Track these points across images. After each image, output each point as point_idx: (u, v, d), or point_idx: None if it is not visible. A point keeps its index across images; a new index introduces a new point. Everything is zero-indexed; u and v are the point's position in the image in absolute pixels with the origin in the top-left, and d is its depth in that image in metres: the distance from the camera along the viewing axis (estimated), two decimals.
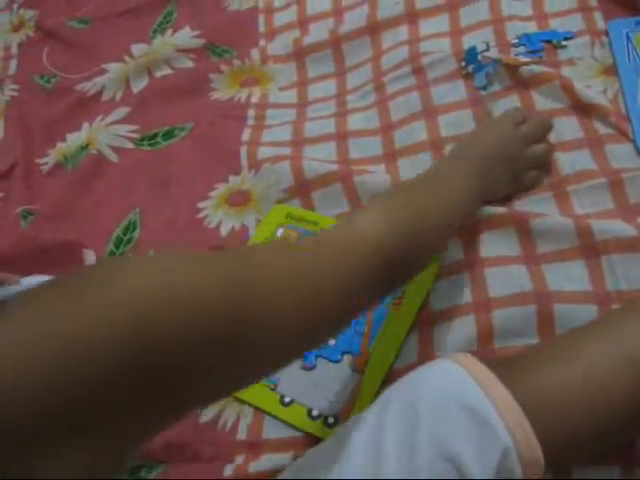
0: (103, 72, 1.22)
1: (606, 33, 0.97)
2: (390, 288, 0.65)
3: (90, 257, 0.96)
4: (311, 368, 0.77)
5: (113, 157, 1.08)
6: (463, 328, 0.75)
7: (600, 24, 0.98)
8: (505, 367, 0.58)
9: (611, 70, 0.93)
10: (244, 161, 0.99)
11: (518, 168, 0.83)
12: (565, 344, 0.64)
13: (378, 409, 0.57)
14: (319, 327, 0.54)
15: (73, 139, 1.13)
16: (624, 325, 0.63)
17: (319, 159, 0.95)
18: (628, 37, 0.94)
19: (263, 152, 0.98)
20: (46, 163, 1.12)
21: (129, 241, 0.97)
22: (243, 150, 1.00)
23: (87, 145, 1.10)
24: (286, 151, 0.98)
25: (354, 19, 1.12)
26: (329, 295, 0.53)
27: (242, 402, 0.78)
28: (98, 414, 0.38)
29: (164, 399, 0.41)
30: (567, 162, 0.85)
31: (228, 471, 0.73)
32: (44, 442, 0.36)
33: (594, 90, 0.91)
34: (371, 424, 0.56)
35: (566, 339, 0.67)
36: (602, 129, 0.87)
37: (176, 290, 0.41)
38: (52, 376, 0.36)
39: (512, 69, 0.94)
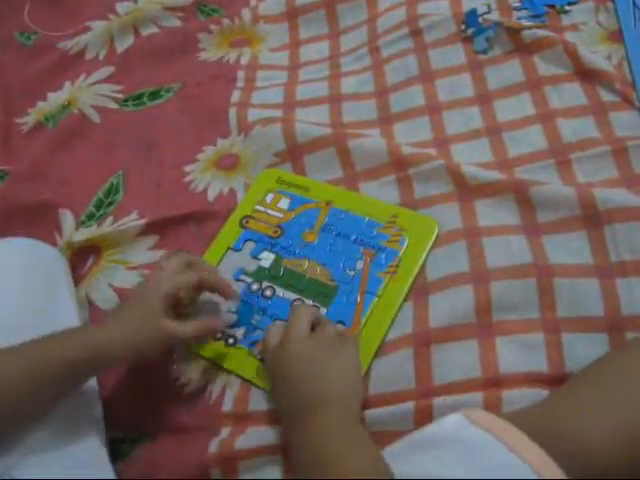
0: (86, 30, 1.17)
1: None
2: None
3: (67, 217, 0.92)
4: None
5: (95, 117, 1.03)
6: (460, 299, 0.72)
7: None
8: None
9: (616, 36, 0.91)
10: (233, 123, 0.95)
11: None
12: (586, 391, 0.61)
13: None
14: None
15: (54, 98, 1.08)
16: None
17: (312, 122, 0.91)
18: (634, 3, 0.91)
19: (253, 114, 0.94)
20: (26, 123, 1.07)
21: (110, 203, 0.93)
22: (232, 112, 0.96)
23: (69, 104, 1.05)
24: (277, 114, 0.94)
25: None
26: None
27: (229, 372, 0.75)
28: None
29: None
30: (570, 129, 0.83)
31: (214, 446, 0.70)
32: None
33: (599, 56, 0.87)
34: None
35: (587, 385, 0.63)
36: (606, 96, 0.85)
37: None
38: None
39: (514, 33, 0.91)
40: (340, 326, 0.73)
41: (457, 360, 0.69)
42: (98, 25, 1.17)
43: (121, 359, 0.71)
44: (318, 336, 0.69)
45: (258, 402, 0.72)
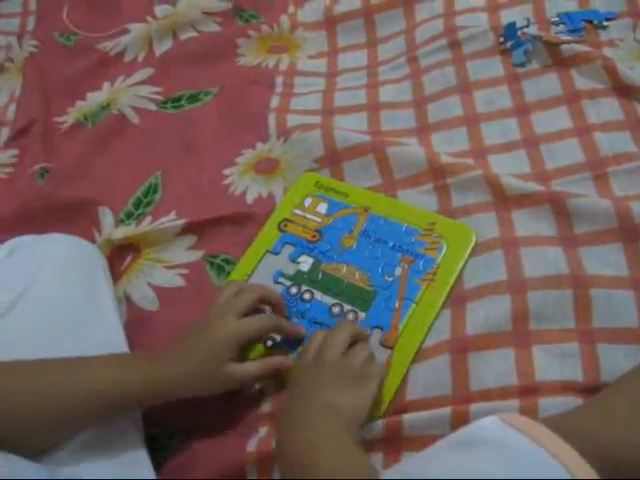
0: (125, 32, 1.19)
1: None
2: None
3: (106, 215, 0.93)
4: None
5: (135, 118, 1.05)
6: (497, 307, 0.73)
7: None
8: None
9: None
10: (272, 128, 0.96)
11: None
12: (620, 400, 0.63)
13: None
14: None
15: (93, 98, 1.10)
16: None
17: (351, 129, 0.92)
18: None
19: (292, 120, 0.96)
20: (65, 122, 1.09)
21: (149, 203, 0.94)
22: (271, 117, 0.98)
23: (108, 105, 1.07)
24: (316, 119, 0.95)
25: None
26: None
27: None
28: None
29: None
30: (606, 143, 0.84)
31: (251, 445, 0.71)
32: None
33: (637, 72, 0.88)
34: None
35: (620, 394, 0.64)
36: None
37: None
38: None
39: (552, 47, 0.92)
40: (373, 349, 0.72)
41: (494, 367, 0.70)
42: (137, 27, 1.18)
43: (177, 397, 0.71)
44: (349, 361, 0.69)
45: None
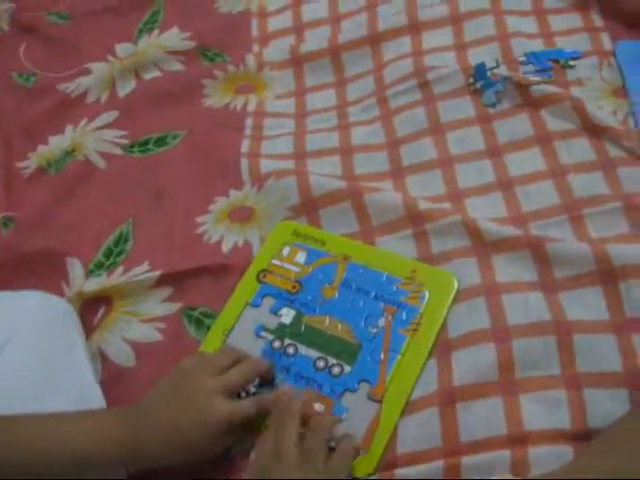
0: (86, 72, 1.16)
1: (613, 54, 0.96)
2: None
3: (75, 266, 0.91)
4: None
5: (101, 163, 1.03)
6: (483, 356, 0.73)
7: (607, 45, 0.98)
8: None
9: (620, 91, 0.93)
10: (245, 175, 0.95)
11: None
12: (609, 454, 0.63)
13: None
14: None
15: (56, 142, 1.08)
16: None
17: (326, 174, 0.92)
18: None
19: (265, 165, 0.95)
20: (27, 167, 1.06)
21: (120, 253, 0.92)
22: (244, 162, 0.96)
23: (73, 150, 1.05)
24: (289, 165, 0.95)
25: (353, 28, 1.10)
26: None
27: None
28: None
29: None
30: (580, 185, 0.85)
31: None
32: None
33: (605, 111, 0.90)
34: None
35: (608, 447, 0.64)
36: (613, 151, 0.87)
37: None
38: None
39: (522, 87, 0.93)
40: (361, 404, 0.73)
41: (482, 418, 0.70)
42: (98, 67, 1.16)
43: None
44: (304, 455, 0.66)
45: None
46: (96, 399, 0.77)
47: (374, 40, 1.07)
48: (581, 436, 0.68)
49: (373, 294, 0.80)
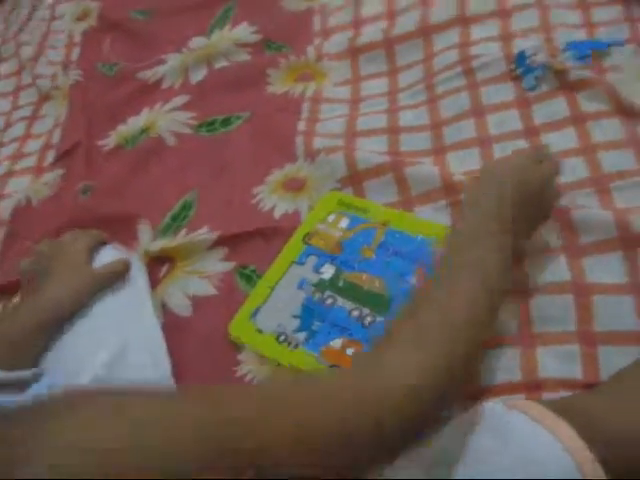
0: (162, 62, 1.28)
1: None
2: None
3: (145, 229, 1.02)
4: None
5: (171, 141, 1.13)
6: (504, 312, 0.79)
7: None
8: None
9: None
10: (300, 150, 1.04)
11: (539, 212, 0.79)
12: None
13: None
14: None
15: (134, 122, 1.19)
16: None
17: (372, 151, 0.99)
18: None
19: (318, 142, 1.03)
20: (107, 145, 1.18)
21: (184, 217, 1.02)
22: (299, 139, 1.05)
23: (147, 129, 1.16)
24: (339, 142, 1.02)
25: (407, 21, 1.17)
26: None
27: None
28: None
29: None
30: (609, 161, 0.89)
31: None
32: None
33: (637, 95, 0.94)
34: None
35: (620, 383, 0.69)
36: None
37: None
38: None
39: (560, 73, 0.98)
40: None
41: (501, 365, 0.76)
42: (173, 57, 1.27)
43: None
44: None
45: None
46: (159, 345, 0.86)
47: (425, 32, 1.14)
48: (592, 387, 0.72)
49: (407, 255, 0.87)
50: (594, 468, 0.56)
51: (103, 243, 0.94)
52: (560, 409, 0.60)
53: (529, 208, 0.74)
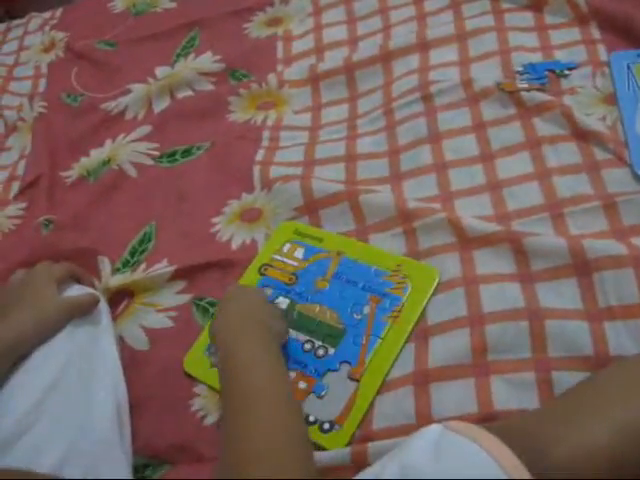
0: (127, 92, 1.27)
1: (608, 64, 1.00)
2: None
3: (105, 264, 1.01)
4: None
5: (133, 172, 1.13)
6: (458, 340, 0.78)
7: (603, 56, 1.02)
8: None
9: (611, 99, 0.97)
10: (257, 180, 1.03)
11: None
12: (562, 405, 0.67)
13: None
14: None
15: (96, 154, 1.19)
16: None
17: (328, 179, 0.99)
18: (629, 67, 0.98)
19: (275, 171, 1.03)
20: (70, 176, 1.17)
21: (143, 251, 1.01)
22: (256, 169, 1.05)
23: (109, 160, 1.15)
24: (297, 171, 1.02)
25: (368, 47, 1.18)
26: None
27: None
28: None
29: None
30: (564, 186, 0.89)
31: None
32: None
33: (594, 118, 0.94)
34: None
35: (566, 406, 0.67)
36: (599, 154, 0.91)
37: None
38: None
39: (516, 97, 0.98)
40: (341, 383, 0.80)
41: (455, 397, 0.75)
42: (138, 88, 1.27)
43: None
44: None
45: None
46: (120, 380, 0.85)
47: (386, 58, 1.14)
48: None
49: (361, 285, 0.87)
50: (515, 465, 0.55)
51: (73, 276, 0.94)
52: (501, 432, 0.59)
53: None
